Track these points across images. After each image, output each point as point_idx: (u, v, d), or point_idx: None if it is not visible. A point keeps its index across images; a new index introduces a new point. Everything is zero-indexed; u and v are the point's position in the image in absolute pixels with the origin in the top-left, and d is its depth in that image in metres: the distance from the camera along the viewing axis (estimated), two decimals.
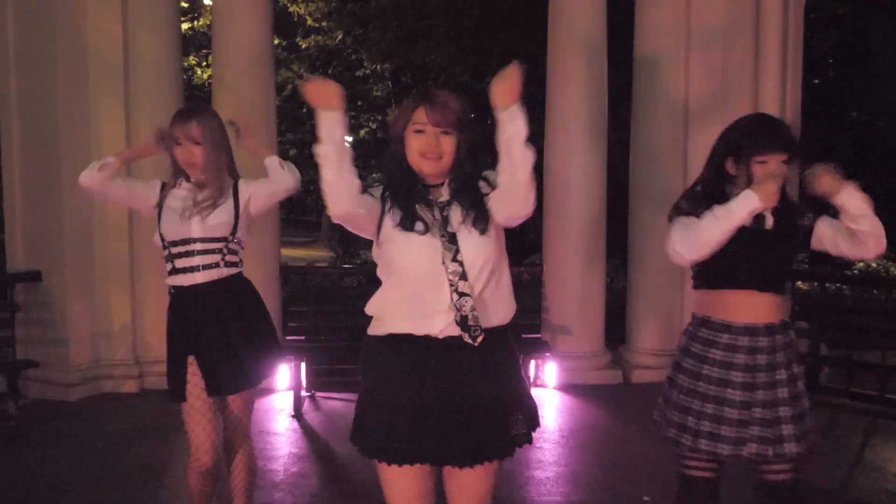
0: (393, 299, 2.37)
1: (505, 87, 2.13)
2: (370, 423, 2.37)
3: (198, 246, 3.15)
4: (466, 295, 2.28)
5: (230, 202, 3.20)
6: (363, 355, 2.44)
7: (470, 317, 2.28)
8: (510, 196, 2.27)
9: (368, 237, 2.39)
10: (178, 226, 3.15)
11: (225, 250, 3.20)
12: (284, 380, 5.90)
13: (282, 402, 5.87)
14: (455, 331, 2.29)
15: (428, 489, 2.40)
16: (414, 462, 2.33)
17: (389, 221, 2.34)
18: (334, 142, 2.19)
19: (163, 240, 3.19)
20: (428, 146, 2.30)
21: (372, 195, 2.36)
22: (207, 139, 3.13)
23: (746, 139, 2.75)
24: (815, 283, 7.72)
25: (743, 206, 2.63)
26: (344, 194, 2.23)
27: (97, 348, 6.20)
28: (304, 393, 5.92)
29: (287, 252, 14.74)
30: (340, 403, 5.95)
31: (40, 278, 6.01)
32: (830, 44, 15.63)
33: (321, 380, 6.16)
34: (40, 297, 6.04)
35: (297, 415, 5.68)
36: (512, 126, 2.16)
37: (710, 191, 2.82)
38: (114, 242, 6.18)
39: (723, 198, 2.73)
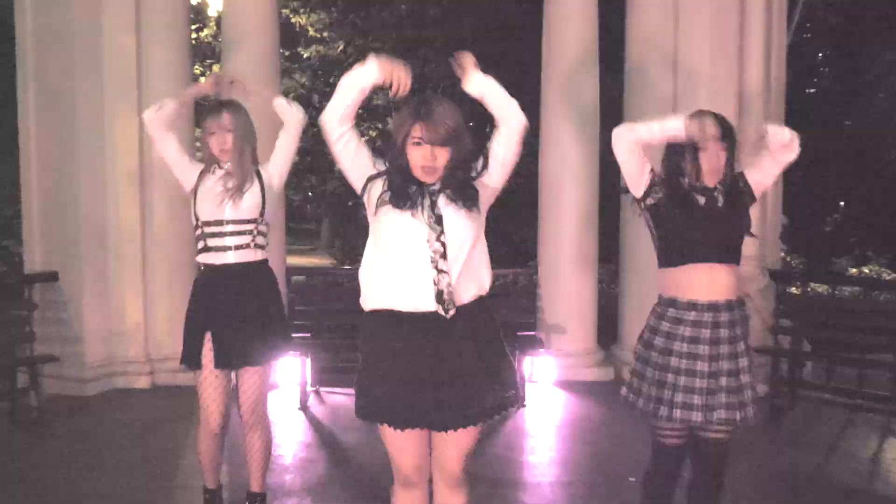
0: (379, 272, 2.70)
1: (460, 70, 2.69)
2: (375, 393, 2.69)
3: (230, 228, 3.51)
4: (444, 272, 2.61)
5: (256, 186, 3.58)
6: (361, 330, 2.78)
7: (445, 292, 2.61)
8: (505, 125, 2.71)
9: (350, 175, 2.77)
10: (212, 208, 3.51)
11: (255, 231, 3.56)
12: (290, 375, 6.19)
13: (288, 397, 6.15)
14: (433, 306, 2.62)
15: (424, 445, 2.79)
16: (414, 427, 2.68)
17: (384, 197, 2.66)
18: (361, 85, 2.66)
19: (197, 220, 3.55)
20: (425, 160, 2.61)
21: (368, 154, 2.75)
22: (237, 128, 3.51)
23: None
24: (801, 285, 8.08)
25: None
26: (344, 110, 2.68)
27: (111, 346, 6.48)
28: (308, 388, 6.20)
29: (288, 259, 14.97)
30: (343, 398, 6.23)
31: (57, 278, 6.30)
32: (825, 52, 15.97)
33: (325, 376, 6.44)
34: (57, 296, 6.32)
35: (303, 408, 5.98)
36: (480, 86, 2.69)
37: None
38: (127, 244, 6.47)
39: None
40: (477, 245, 2.71)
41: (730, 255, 3.15)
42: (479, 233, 2.71)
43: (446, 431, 2.67)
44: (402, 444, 2.74)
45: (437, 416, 2.64)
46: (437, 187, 2.68)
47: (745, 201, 3.22)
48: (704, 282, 3.10)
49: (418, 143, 2.61)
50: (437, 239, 2.61)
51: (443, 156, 2.62)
